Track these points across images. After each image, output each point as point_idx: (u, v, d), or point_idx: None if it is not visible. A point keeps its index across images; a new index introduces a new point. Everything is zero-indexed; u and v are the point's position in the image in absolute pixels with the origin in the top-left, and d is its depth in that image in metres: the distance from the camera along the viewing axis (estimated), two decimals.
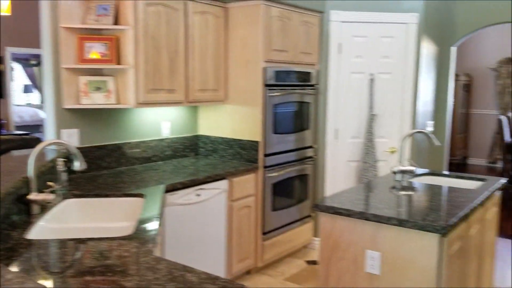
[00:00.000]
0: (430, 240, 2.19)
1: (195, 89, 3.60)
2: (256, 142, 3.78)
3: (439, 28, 4.76)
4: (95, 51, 3.17)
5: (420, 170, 3.48)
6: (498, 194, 3.13)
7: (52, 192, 2.39)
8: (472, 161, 9.43)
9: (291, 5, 3.90)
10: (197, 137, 4.13)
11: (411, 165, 3.16)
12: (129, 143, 3.55)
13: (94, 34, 3.24)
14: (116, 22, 3.21)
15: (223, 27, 3.81)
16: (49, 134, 3.15)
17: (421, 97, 4.48)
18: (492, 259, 3.17)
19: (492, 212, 3.01)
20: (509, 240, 4.90)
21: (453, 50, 4.96)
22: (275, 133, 3.89)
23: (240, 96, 3.84)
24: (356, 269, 2.44)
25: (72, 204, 2.62)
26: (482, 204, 2.66)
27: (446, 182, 3.28)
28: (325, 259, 2.55)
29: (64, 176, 2.72)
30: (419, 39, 4.35)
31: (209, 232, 3.39)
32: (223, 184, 3.46)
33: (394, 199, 2.63)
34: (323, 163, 4.43)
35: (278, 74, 3.84)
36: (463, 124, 9.10)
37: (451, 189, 2.85)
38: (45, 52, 3.08)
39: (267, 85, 3.75)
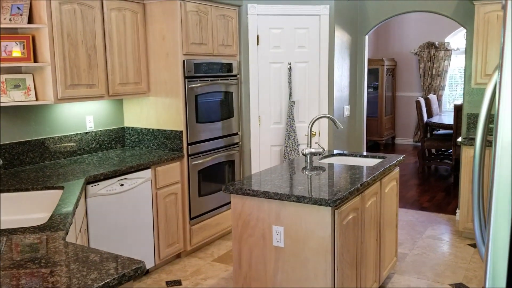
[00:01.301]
0: (324, 213, 2.48)
1: (116, 83, 3.72)
2: (180, 131, 3.96)
3: (351, 19, 5.09)
4: (11, 49, 3.22)
5: (334, 152, 3.79)
6: (397, 170, 3.49)
7: None
8: (399, 140, 10.04)
9: (207, 0, 4.08)
10: (123, 129, 4.25)
11: (319, 147, 3.46)
12: (52, 138, 3.63)
13: (9, 33, 3.28)
14: (31, 21, 3.27)
15: (142, 22, 3.94)
16: None
17: (336, 83, 4.81)
18: (394, 228, 3.53)
19: (391, 186, 3.35)
20: (424, 212, 5.37)
21: (366, 38, 5.32)
22: (198, 122, 4.08)
23: (162, 88, 4.00)
24: (265, 244, 2.70)
25: None
26: (376, 179, 2.98)
27: (351, 161, 3.61)
28: (237, 237, 2.79)
29: None
30: (332, 29, 4.66)
31: (136, 220, 3.55)
32: (147, 173, 3.62)
33: (299, 179, 2.91)
34: (248, 148, 4.67)
35: (198, 66, 4.02)
36: (390, 106, 9.66)
37: (351, 167, 3.17)
38: None
39: (187, 77, 3.93)
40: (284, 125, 4.72)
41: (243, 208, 2.75)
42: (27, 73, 3.36)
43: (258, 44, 4.55)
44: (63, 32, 3.28)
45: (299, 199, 2.50)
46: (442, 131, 7.76)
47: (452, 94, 9.70)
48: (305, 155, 3.40)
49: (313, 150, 3.39)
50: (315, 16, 4.62)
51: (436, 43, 9.29)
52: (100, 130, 4.03)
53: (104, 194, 3.29)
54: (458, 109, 6.15)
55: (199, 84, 4.02)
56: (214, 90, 4.24)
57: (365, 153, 3.64)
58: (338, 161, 3.64)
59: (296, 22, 4.60)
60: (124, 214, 3.45)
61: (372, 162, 3.53)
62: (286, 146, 4.63)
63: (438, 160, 7.28)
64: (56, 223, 2.12)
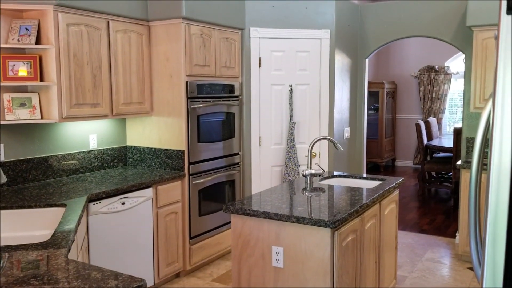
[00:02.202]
0: (323, 234, 2.50)
1: (120, 102, 3.79)
2: (181, 151, 4.01)
3: (351, 42, 5.19)
4: (22, 68, 3.29)
5: (334, 173, 3.83)
6: (396, 192, 3.52)
7: None
8: (399, 163, 10.07)
9: (211, 23, 4.17)
10: (125, 148, 4.30)
11: (319, 168, 3.50)
12: (55, 155, 3.67)
13: (17, 53, 3.36)
14: (38, 41, 3.35)
15: (146, 43, 4.02)
16: None
17: (337, 105, 4.87)
18: (394, 250, 3.54)
19: (390, 209, 3.38)
20: (424, 235, 5.37)
21: (366, 62, 5.41)
22: (200, 142, 4.13)
23: (165, 108, 4.06)
24: (264, 264, 2.72)
25: None
26: (375, 201, 3.01)
27: (351, 182, 3.64)
28: (237, 257, 2.81)
29: None
30: (332, 53, 4.74)
31: (136, 239, 3.57)
32: (148, 192, 3.65)
33: (299, 200, 2.94)
34: (249, 168, 4.71)
35: (201, 87, 4.09)
36: (390, 129, 9.72)
37: (351, 189, 3.20)
38: None
39: (190, 98, 3.99)
40: (285, 145, 4.76)
41: (243, 228, 2.78)
42: (33, 92, 3.43)
43: (260, 66, 4.63)
44: (69, 53, 3.36)
45: (299, 220, 2.53)
46: (442, 154, 7.80)
47: (452, 117, 9.77)
48: (305, 176, 3.44)
49: (313, 171, 3.43)
50: (316, 40, 4.71)
51: (436, 66, 9.40)
52: (103, 149, 4.08)
53: (106, 212, 3.31)
54: (457, 133, 6.20)
55: (201, 105, 4.08)
56: (216, 111, 4.30)
57: (364, 175, 3.67)
58: (338, 183, 3.67)
59: (298, 45, 4.69)
60: (125, 233, 3.47)
61: (372, 184, 3.57)
62: (287, 166, 4.66)
63: (438, 183, 7.30)
64: (58, 241, 2.15)
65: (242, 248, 2.79)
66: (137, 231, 3.58)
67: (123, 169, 4.12)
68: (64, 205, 2.86)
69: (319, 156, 4.82)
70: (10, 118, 3.29)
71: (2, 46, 3.24)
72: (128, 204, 3.49)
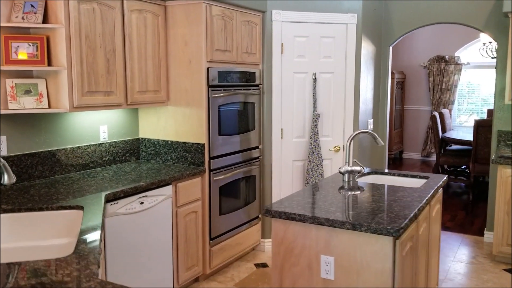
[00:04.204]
0: (383, 243, 2.18)
1: (135, 90, 3.42)
2: (202, 144, 3.65)
3: (376, 29, 4.85)
4: (22, 51, 2.91)
5: (368, 170, 3.51)
6: (441, 191, 3.21)
7: None
8: (407, 155, 9.80)
9: (233, 4, 3.80)
10: (138, 141, 3.93)
11: (357, 164, 3.17)
12: (64, 149, 3.30)
13: (21, 33, 2.98)
14: (45, 20, 2.96)
15: (163, 25, 3.64)
16: None
17: (362, 96, 4.54)
18: (438, 253, 3.25)
19: (436, 209, 3.07)
20: (449, 233, 5.09)
21: (390, 50, 5.08)
22: (221, 134, 3.78)
23: (183, 97, 3.70)
24: (311, 275, 2.39)
25: (2, 220, 2.38)
26: (428, 202, 2.70)
27: (391, 180, 3.32)
28: (278, 266, 2.48)
29: None
30: (359, 39, 4.40)
31: (155, 241, 3.22)
32: (167, 190, 3.31)
33: (344, 201, 2.61)
34: (269, 163, 4.37)
35: (222, 74, 3.73)
36: (398, 120, 9.42)
37: (397, 189, 2.88)
38: None
39: (210, 86, 3.63)
40: (308, 138, 4.43)
41: (286, 234, 2.45)
42: (40, 77, 3.05)
43: (282, 52, 4.27)
44: (81, 34, 2.98)
45: (355, 227, 2.21)
46: (455, 147, 7.52)
47: (460, 109, 9.49)
48: (342, 173, 3.11)
49: (352, 168, 3.10)
50: (342, 24, 4.36)
51: (446, 56, 9.11)
52: (114, 142, 3.71)
53: (124, 213, 2.96)
54: (479, 125, 5.92)
55: (222, 94, 3.72)
56: (237, 101, 3.94)
57: (404, 172, 3.36)
58: (375, 180, 3.35)
59: (322, 31, 4.34)
60: (143, 235, 3.13)
61: (414, 182, 3.25)
62: (310, 161, 4.33)
63: (453, 177, 7.02)
64: (84, 254, 1.80)
65: (284, 257, 2.46)
66: (156, 233, 3.23)
67: (137, 164, 3.76)
68: (80, 208, 2.50)
69: (343, 150, 4.50)
70: (13, 107, 2.91)
71: (4, 24, 2.85)
72: (147, 204, 3.14)
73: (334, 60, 4.39)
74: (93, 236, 2.01)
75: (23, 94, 2.95)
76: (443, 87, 9.20)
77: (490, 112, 7.83)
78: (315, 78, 4.35)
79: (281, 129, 4.37)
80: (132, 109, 3.87)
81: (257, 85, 4.22)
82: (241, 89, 3.98)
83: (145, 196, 3.12)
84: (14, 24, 2.85)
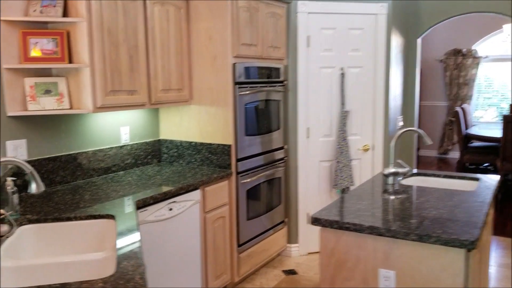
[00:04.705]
0: (454, 256, 1.96)
1: (158, 89, 3.20)
2: (228, 145, 3.43)
3: (405, 19, 4.62)
4: (41, 48, 2.69)
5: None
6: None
7: (2, 220, 1.95)
8: (422, 152, 9.56)
9: None
10: (159, 142, 3.72)
11: (401, 166, 2.95)
12: (85, 152, 3.09)
13: (39, 28, 2.76)
14: (65, 14, 2.74)
15: (185, 19, 3.42)
16: None
17: (391, 92, 4.32)
18: (488, 259, 3.03)
19: (490, 214, 2.85)
20: None
21: (419, 42, 4.85)
22: (247, 135, 3.56)
23: (207, 95, 3.48)
24: None
25: (28, 232, 2.17)
26: (489, 207, 2.48)
27: (437, 183, 3.10)
28: (328, 279, 2.27)
29: (15, 199, 2.25)
30: (389, 30, 4.17)
31: (183, 250, 3.01)
32: (195, 194, 3.09)
33: (398, 208, 2.39)
34: (295, 164, 4.15)
35: (248, 70, 3.51)
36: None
37: (452, 193, 2.66)
38: None
39: (237, 83, 3.41)
40: (335, 138, 4.21)
41: (338, 245, 2.23)
42: (59, 76, 2.83)
43: (308, 46, 4.05)
44: (103, 28, 2.76)
45: (422, 238, 1.98)
46: (477, 144, 7.28)
47: (476, 104, 9.23)
48: (387, 175, 2.89)
49: (397, 170, 2.88)
50: (371, 15, 4.13)
51: (464, 50, 8.86)
52: (136, 143, 3.49)
53: (153, 221, 2.75)
54: (508, 121, 5.69)
55: (248, 92, 3.50)
56: (262, 98, 3.72)
57: (450, 173, 3.13)
58: (421, 183, 3.13)
59: (350, 22, 4.11)
60: (171, 243, 2.91)
61: (465, 184, 3.02)
62: (338, 162, 4.11)
63: None
64: (129, 273, 1.58)
65: (335, 270, 2.24)
66: (184, 241, 3.02)
67: (159, 167, 3.54)
68: (111, 217, 2.29)
69: (373, 149, 4.27)
70: (33, 108, 2.70)
71: (21, 19, 2.63)
72: (176, 210, 2.92)
73: (363, 53, 4.16)
74: (133, 250, 1.80)
75: (43, 94, 2.73)
76: (460, 81, 8.96)
77: None
78: (343, 73, 4.13)
79: (307, 128, 4.14)
80: (152, 109, 3.65)
81: (282, 82, 4.00)
82: (266, 86, 3.76)
83: (174, 202, 2.90)
84: (32, 19, 2.63)
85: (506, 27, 7.12)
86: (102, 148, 3.22)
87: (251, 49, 3.55)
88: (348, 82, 4.17)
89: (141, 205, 2.63)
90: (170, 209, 2.88)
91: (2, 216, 2.04)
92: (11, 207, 2.25)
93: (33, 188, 1.97)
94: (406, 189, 2.77)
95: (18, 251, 2.05)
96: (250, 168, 3.62)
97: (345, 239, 2.21)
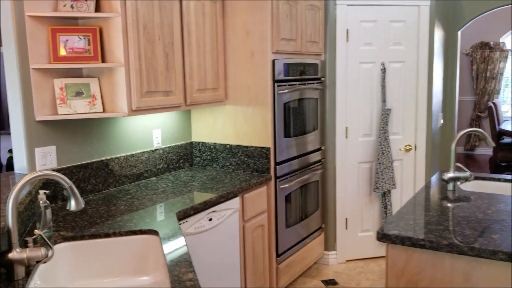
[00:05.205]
0: None
1: (194, 89, 2.98)
2: (267, 148, 3.20)
3: (446, 11, 4.35)
4: (72, 46, 2.47)
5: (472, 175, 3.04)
6: None
7: (35, 240, 1.74)
8: (480, 150, 9.19)
9: None
10: (191, 145, 3.50)
11: (461, 170, 2.71)
12: (117, 158, 2.87)
13: (70, 25, 2.54)
14: (97, 9, 2.52)
15: (220, 14, 3.19)
16: (19, 155, 2.44)
17: (434, 88, 4.06)
18: None
19: None
20: None
21: (459, 35, 4.58)
22: (286, 136, 3.33)
23: (244, 95, 3.25)
24: None
25: (63, 252, 1.96)
26: None
27: (500, 188, 2.84)
28: None
29: (48, 214, 2.04)
30: (432, 23, 3.91)
31: (222, 262, 2.80)
32: (234, 202, 2.87)
33: (473, 220, 2.15)
34: (332, 166, 3.92)
35: (287, 67, 3.27)
36: None
37: None
38: (8, 49, 2.35)
39: (276, 81, 3.18)
40: (375, 137, 3.96)
41: (409, 264, 1.99)
42: (90, 76, 2.61)
43: (347, 40, 3.80)
44: (138, 24, 2.53)
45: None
46: (509, 140, 6.98)
47: (502, 98, 8.92)
48: (447, 181, 2.64)
49: (459, 175, 2.63)
50: (414, 7, 3.86)
51: (491, 43, 8.54)
52: (168, 147, 3.28)
53: (193, 232, 2.53)
54: None
55: (287, 90, 3.26)
56: (300, 97, 3.49)
57: (506, 177, 2.87)
58: (480, 188, 2.88)
59: (391, 14, 3.85)
60: (210, 255, 2.70)
61: None
62: (380, 163, 3.86)
63: (510, 173, 6.52)
64: None
65: None
66: (223, 253, 2.80)
67: (192, 172, 3.32)
68: (154, 232, 2.07)
69: (415, 150, 4.02)
70: (64, 111, 2.48)
71: (51, 14, 2.41)
72: (216, 220, 2.70)
73: (405, 47, 3.90)
74: (186, 273, 1.57)
75: (74, 96, 2.52)
76: (488, 75, 8.64)
77: None
78: (384, 69, 3.87)
79: (346, 128, 3.90)
80: (184, 110, 3.42)
81: (319, 78, 3.75)
82: (305, 84, 3.52)
83: (214, 211, 2.68)
84: (63, 14, 2.41)
85: None
86: (134, 153, 3.00)
87: (290, 44, 3.31)
88: (389, 78, 3.91)
89: (181, 216, 2.41)
90: (210, 219, 2.66)
91: (35, 236, 1.83)
92: (44, 224, 2.04)
93: (72, 205, 1.76)
94: (468, 195, 2.52)
95: (53, 274, 1.85)
96: (289, 172, 3.39)
97: (417, 257, 1.97)
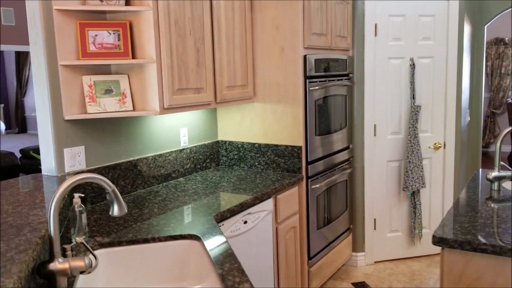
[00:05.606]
0: None
1: (224, 85, 2.86)
2: (298, 147, 3.09)
3: (472, 6, 4.22)
4: (102, 41, 2.36)
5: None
6: None
7: (72, 247, 1.63)
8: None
9: None
10: (218, 144, 3.38)
11: (505, 168, 2.59)
12: (145, 158, 2.76)
13: (99, 19, 2.43)
14: (127, 3, 2.41)
15: (249, 8, 3.07)
16: (47, 156, 2.32)
17: (463, 84, 3.94)
18: None
19: None
20: None
21: (485, 30, 4.45)
22: (317, 135, 3.21)
23: (273, 92, 3.13)
24: None
25: (101, 259, 1.85)
26: None
27: None
28: None
29: (83, 219, 1.93)
30: (461, 17, 3.78)
31: (257, 266, 2.68)
32: (268, 204, 2.75)
33: None
34: (361, 165, 3.80)
35: (318, 63, 3.15)
36: None
37: None
38: (35, 45, 2.24)
39: (308, 77, 3.06)
40: (404, 135, 3.84)
41: (467, 269, 1.88)
42: (119, 73, 2.50)
43: (376, 35, 3.67)
44: (170, 19, 2.42)
45: None
46: None
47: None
48: (491, 180, 2.52)
49: (504, 174, 2.51)
50: (443, 1, 3.74)
51: (506, 39, 8.40)
52: (195, 146, 3.16)
53: (229, 236, 2.42)
54: None
55: (317, 87, 3.14)
56: (330, 94, 3.37)
57: None
58: None
59: (420, 8, 3.72)
60: (245, 259, 2.58)
61: None
62: (410, 162, 3.74)
63: None
64: None
65: None
66: (258, 256, 2.69)
67: (220, 171, 3.21)
68: (195, 237, 1.96)
69: (444, 147, 3.90)
70: (93, 110, 2.37)
71: (80, 8, 2.29)
72: (251, 223, 2.59)
73: (434, 42, 3.78)
74: (242, 283, 1.46)
75: (103, 94, 2.40)
76: (503, 71, 8.51)
77: None
78: (413, 64, 3.75)
79: (374, 125, 3.78)
80: (211, 108, 3.31)
81: (347, 75, 3.63)
82: (334, 80, 3.40)
83: (249, 213, 2.57)
84: (92, 8, 2.29)
85: None
86: (162, 152, 2.89)
87: (320, 39, 3.19)
88: (418, 74, 3.79)
89: (218, 219, 2.29)
90: (245, 222, 2.55)
91: (72, 244, 1.73)
92: (79, 229, 1.93)
93: (115, 210, 1.64)
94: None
95: (91, 283, 1.73)
96: (319, 171, 3.27)
97: (477, 262, 1.85)
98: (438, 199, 3.95)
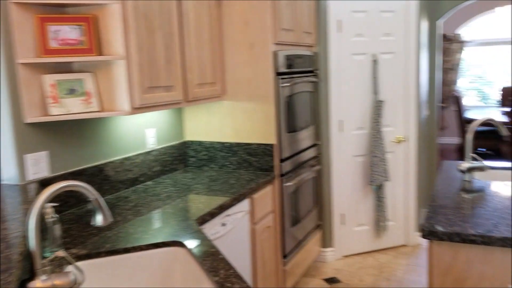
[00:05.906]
0: None
1: (194, 83, 2.75)
2: (270, 145, 3.02)
3: (429, 1, 4.32)
4: (64, 37, 2.18)
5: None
6: None
7: (48, 264, 1.48)
8: (442, 140, 9.25)
9: None
10: (185, 145, 3.26)
11: (476, 160, 2.65)
12: (111, 162, 2.60)
13: (61, 13, 2.25)
14: None
15: (216, 2, 2.97)
16: (7, 163, 2.12)
17: (422, 78, 4.02)
18: None
19: None
20: None
21: (441, 24, 4.57)
22: (288, 132, 3.16)
23: (243, 89, 3.05)
24: None
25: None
26: None
27: (506, 176, 2.81)
28: None
29: (56, 230, 1.77)
30: (420, 12, 3.86)
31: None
32: (244, 205, 2.67)
33: (508, 212, 2.07)
34: (327, 161, 3.79)
35: (288, 59, 3.10)
36: None
37: None
38: None
39: (278, 74, 3.00)
40: (369, 130, 3.87)
41: (455, 261, 1.88)
42: (84, 71, 2.33)
43: (339, 31, 3.67)
44: (138, 12, 2.28)
45: None
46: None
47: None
48: (463, 171, 2.57)
49: (475, 165, 2.57)
50: None
51: (449, 35, 8.74)
52: (163, 147, 3.02)
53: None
54: None
55: (288, 83, 3.09)
56: (299, 90, 3.33)
57: None
58: (492, 178, 2.84)
59: (382, 4, 3.76)
60: None
61: None
62: (374, 156, 3.78)
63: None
64: None
65: None
66: (235, 259, 2.60)
67: (189, 173, 3.09)
68: (178, 244, 1.84)
69: (405, 141, 3.97)
70: (57, 111, 2.19)
71: (38, 1, 2.11)
72: (229, 225, 2.50)
73: (395, 38, 3.83)
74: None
75: (66, 94, 2.23)
76: (447, 67, 8.84)
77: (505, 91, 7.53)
78: (376, 60, 3.78)
79: (340, 121, 3.79)
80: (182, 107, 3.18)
81: (313, 71, 3.61)
82: (302, 76, 3.37)
83: (227, 215, 2.48)
84: (52, 1, 2.11)
85: (499, 9, 7.01)
86: (129, 155, 2.73)
87: (289, 34, 3.14)
88: (381, 70, 3.83)
89: (199, 223, 2.19)
90: (223, 224, 2.45)
91: (50, 258, 1.57)
92: (53, 241, 1.76)
93: (99, 220, 1.51)
94: (485, 186, 2.46)
95: None
96: (291, 169, 3.22)
97: (465, 253, 1.86)
98: (401, 192, 4.02)
